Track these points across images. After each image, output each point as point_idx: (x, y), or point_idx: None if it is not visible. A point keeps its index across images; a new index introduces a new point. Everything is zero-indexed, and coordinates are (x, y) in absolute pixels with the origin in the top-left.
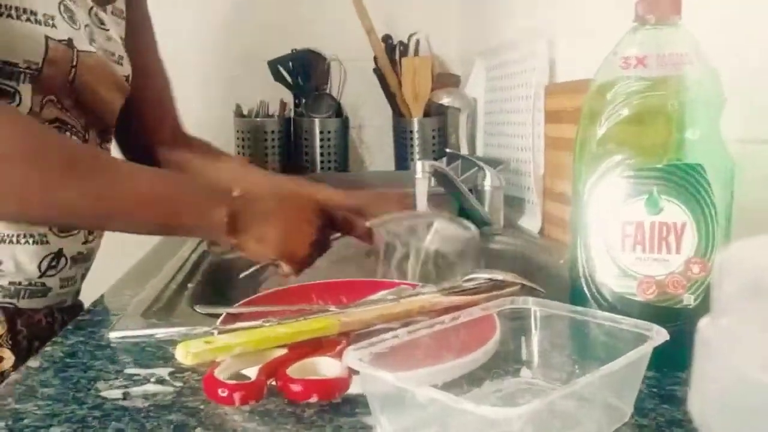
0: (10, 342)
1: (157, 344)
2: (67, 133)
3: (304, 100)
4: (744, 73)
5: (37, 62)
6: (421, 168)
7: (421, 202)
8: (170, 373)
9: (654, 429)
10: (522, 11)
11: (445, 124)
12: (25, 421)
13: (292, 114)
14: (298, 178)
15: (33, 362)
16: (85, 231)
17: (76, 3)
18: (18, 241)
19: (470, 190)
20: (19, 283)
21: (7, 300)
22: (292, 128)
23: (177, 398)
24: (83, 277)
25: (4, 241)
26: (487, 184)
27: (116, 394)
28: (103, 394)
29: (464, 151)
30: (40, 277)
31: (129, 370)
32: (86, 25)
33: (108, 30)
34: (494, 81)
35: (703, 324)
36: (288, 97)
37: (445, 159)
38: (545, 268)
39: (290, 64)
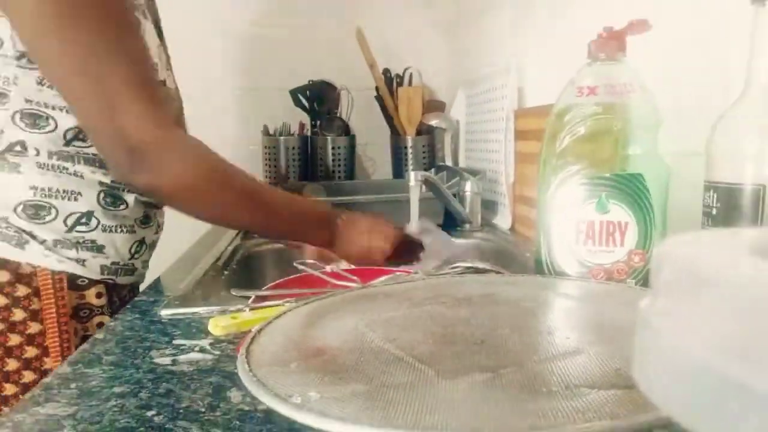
0: (109, 311)
1: (199, 320)
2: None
3: (319, 122)
4: (677, 97)
5: None
6: (414, 177)
7: (414, 205)
8: (210, 344)
9: None
10: (496, 49)
11: (433, 142)
12: (93, 383)
13: (309, 133)
14: None
15: (99, 335)
16: (156, 223)
17: (161, 44)
18: (116, 231)
19: (454, 195)
20: (118, 263)
21: (110, 276)
22: (309, 145)
23: (216, 364)
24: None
25: (106, 231)
26: (468, 190)
27: (166, 360)
28: (156, 360)
29: (449, 163)
30: (130, 259)
31: (177, 341)
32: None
33: (169, 70)
34: (473, 106)
35: (643, 304)
36: (306, 119)
37: (433, 170)
38: (515, 259)
39: (307, 92)
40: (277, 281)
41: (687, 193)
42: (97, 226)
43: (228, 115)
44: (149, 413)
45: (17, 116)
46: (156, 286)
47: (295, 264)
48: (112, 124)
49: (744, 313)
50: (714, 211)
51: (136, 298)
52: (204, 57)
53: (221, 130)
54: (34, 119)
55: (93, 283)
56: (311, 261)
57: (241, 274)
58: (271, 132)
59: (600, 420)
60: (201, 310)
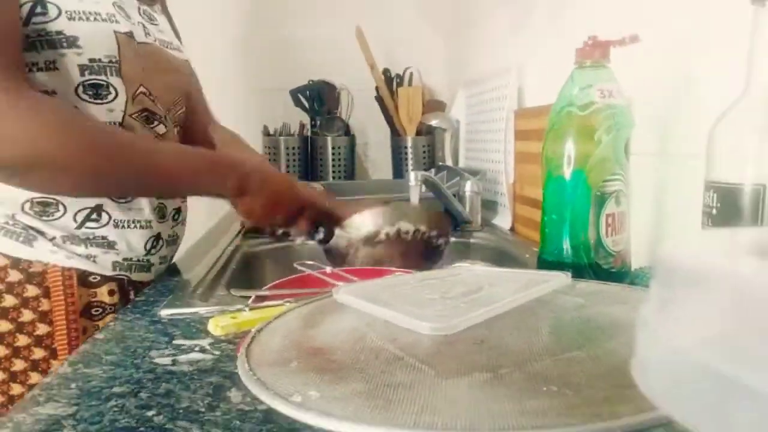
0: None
1: (199, 320)
2: (155, 122)
3: (318, 122)
4: (677, 98)
5: (114, 55)
6: (414, 177)
7: (414, 205)
8: (210, 344)
9: None
10: (496, 50)
11: (433, 142)
12: (93, 383)
13: (309, 133)
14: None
15: (99, 334)
16: (171, 217)
17: (124, 2)
18: (128, 226)
19: (454, 195)
20: (131, 260)
21: (123, 273)
22: (309, 145)
23: (216, 364)
24: (172, 258)
25: (118, 227)
26: (468, 190)
27: (166, 360)
28: (156, 360)
29: (449, 163)
30: (145, 255)
31: (177, 341)
32: (139, 22)
33: (158, 24)
34: (474, 106)
35: (644, 307)
36: (306, 119)
37: (433, 170)
38: (515, 259)
39: (308, 92)
40: (277, 281)
41: (687, 193)
42: (108, 222)
43: (228, 116)
44: (149, 413)
45: None
46: (155, 285)
47: (295, 264)
48: None
49: (744, 312)
50: (714, 211)
51: (136, 298)
52: (203, 57)
53: None
54: None
55: (105, 280)
56: (310, 261)
57: (241, 274)
58: (272, 132)
59: (601, 420)
60: (201, 310)
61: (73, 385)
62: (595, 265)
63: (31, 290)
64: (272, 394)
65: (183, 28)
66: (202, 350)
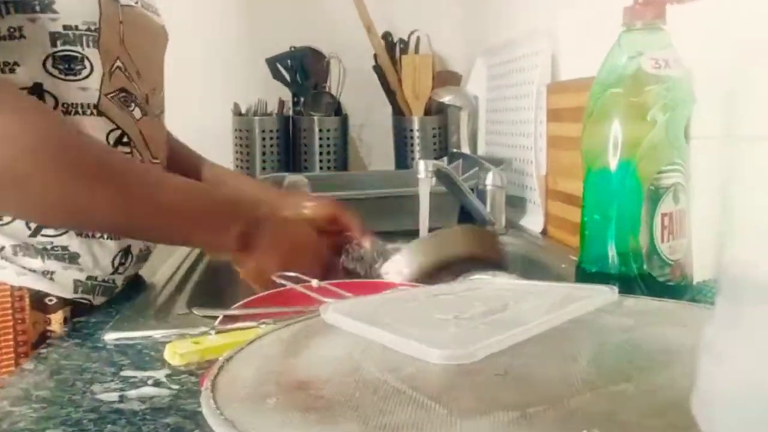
0: None
1: (153, 346)
2: (132, 105)
3: (302, 99)
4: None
5: (94, 22)
6: (424, 167)
7: (424, 202)
8: (167, 375)
9: None
10: (524, 9)
11: (446, 123)
12: (21, 424)
13: (290, 112)
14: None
15: (28, 365)
16: None
17: None
18: (94, 235)
19: (472, 190)
20: (96, 279)
21: (85, 296)
22: (290, 127)
23: (174, 401)
24: (137, 276)
25: (83, 235)
26: (489, 184)
27: (112, 396)
28: (99, 396)
29: (465, 150)
30: (111, 273)
31: (125, 373)
32: None
33: None
34: (496, 79)
35: (708, 329)
36: (286, 95)
37: (446, 158)
38: (548, 270)
39: (289, 61)
40: (251, 297)
41: (762, 186)
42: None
43: (189, 90)
44: None
45: None
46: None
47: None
48: None
49: None
50: None
51: (74, 319)
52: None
53: (180, 109)
54: None
55: (63, 303)
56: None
57: (206, 287)
58: (243, 111)
59: None
60: (155, 333)
61: None
62: (648, 277)
63: None
64: None
65: None
66: (157, 383)
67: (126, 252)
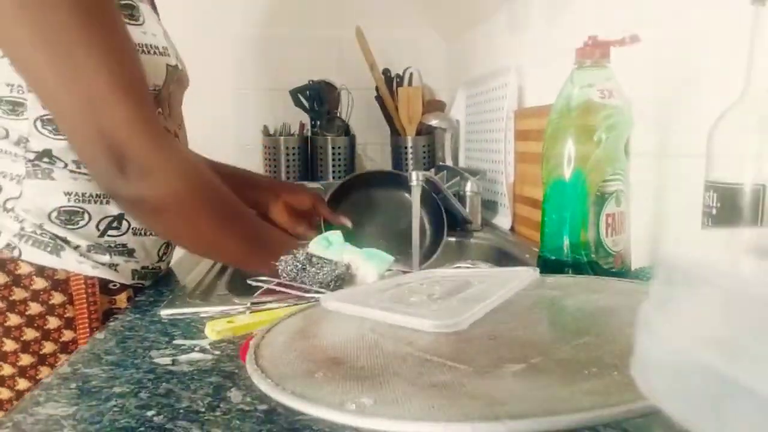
0: None
1: (199, 320)
2: None
3: (319, 122)
4: (677, 98)
5: (159, 85)
6: (415, 177)
7: (416, 204)
8: (210, 344)
9: None
10: (496, 50)
11: (433, 142)
12: (93, 383)
13: (309, 133)
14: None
15: (99, 335)
16: None
17: (160, 21)
18: (145, 234)
19: (454, 195)
20: (147, 267)
21: (139, 281)
22: (309, 145)
23: (216, 364)
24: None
25: (137, 234)
26: (468, 190)
27: (166, 360)
28: (156, 360)
29: (449, 163)
30: (157, 261)
31: (177, 341)
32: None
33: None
34: (474, 106)
35: (644, 306)
36: (306, 119)
37: (433, 170)
38: (515, 259)
39: (308, 92)
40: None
41: (687, 193)
42: (127, 230)
43: (228, 116)
44: (149, 413)
45: (39, 123)
46: (155, 286)
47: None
48: (94, 128)
49: (742, 312)
50: (714, 211)
51: (136, 298)
52: (203, 57)
53: (221, 131)
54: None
55: (124, 287)
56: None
57: (241, 273)
58: (272, 132)
59: None
60: (201, 310)
61: (72, 385)
62: (595, 264)
63: (57, 297)
64: (323, 404)
65: (181, 27)
66: (202, 350)
67: (167, 244)
